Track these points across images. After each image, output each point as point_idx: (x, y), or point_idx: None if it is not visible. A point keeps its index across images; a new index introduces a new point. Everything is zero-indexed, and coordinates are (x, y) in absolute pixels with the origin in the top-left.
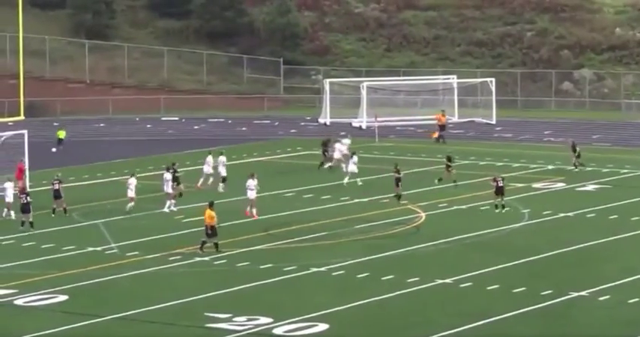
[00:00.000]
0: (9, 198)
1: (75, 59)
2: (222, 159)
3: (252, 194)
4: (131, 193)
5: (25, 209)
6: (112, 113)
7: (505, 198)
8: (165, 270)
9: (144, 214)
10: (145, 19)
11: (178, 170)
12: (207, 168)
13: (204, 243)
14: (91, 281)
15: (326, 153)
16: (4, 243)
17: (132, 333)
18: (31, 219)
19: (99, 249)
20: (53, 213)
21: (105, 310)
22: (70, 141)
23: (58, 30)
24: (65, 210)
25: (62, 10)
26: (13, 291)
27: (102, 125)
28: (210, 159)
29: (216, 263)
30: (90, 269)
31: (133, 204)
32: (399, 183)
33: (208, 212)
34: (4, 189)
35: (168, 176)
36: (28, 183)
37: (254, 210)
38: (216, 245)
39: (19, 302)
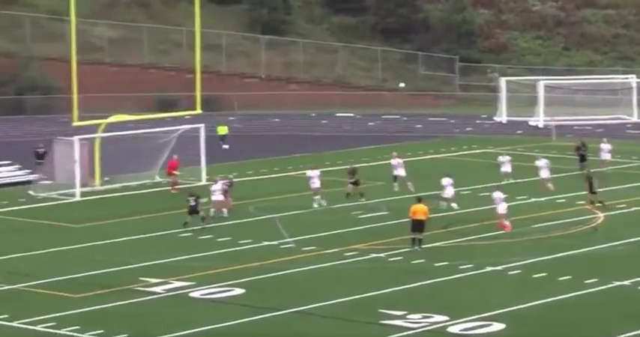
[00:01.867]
0: (216, 196)
1: (250, 54)
2: (399, 161)
3: (502, 207)
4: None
5: (192, 210)
6: (287, 108)
7: None
8: (341, 266)
9: (320, 209)
10: (321, 15)
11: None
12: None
13: (414, 239)
14: (267, 275)
15: (582, 157)
16: (181, 235)
17: (308, 328)
18: (202, 215)
19: (275, 243)
20: (185, 224)
21: (281, 304)
22: (246, 135)
23: (234, 25)
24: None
25: (238, 6)
26: (190, 283)
27: (277, 120)
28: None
29: (391, 260)
30: (266, 263)
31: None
32: (593, 187)
33: (420, 206)
34: (214, 191)
35: (217, 186)
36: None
37: (506, 222)
38: (419, 241)
39: (195, 294)
